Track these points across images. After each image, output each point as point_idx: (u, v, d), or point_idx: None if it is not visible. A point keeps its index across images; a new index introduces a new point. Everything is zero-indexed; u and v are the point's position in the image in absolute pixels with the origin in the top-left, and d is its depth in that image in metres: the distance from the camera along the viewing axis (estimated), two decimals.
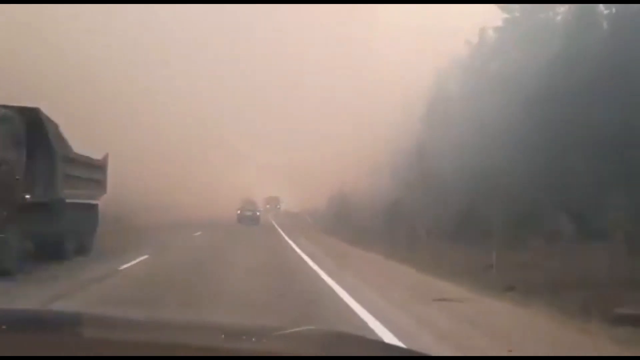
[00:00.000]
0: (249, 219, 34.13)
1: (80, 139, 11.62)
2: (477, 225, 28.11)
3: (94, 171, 11.75)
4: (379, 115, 44.34)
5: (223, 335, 2.17)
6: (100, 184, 12.23)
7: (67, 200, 9.83)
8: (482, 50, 41.28)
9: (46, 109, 9.77)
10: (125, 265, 9.72)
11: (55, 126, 9.76)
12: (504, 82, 34.03)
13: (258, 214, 37.25)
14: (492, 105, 33.17)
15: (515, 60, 35.58)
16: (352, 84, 48.99)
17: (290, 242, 18.80)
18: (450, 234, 24.06)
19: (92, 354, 1.51)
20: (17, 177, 8.24)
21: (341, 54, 53.05)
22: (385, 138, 42.78)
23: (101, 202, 12.61)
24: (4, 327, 1.82)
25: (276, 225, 30.65)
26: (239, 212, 36.62)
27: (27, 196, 8.50)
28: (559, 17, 31.73)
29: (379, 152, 44.19)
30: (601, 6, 25.57)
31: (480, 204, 27.81)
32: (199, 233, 19.65)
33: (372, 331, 5.27)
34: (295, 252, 15.02)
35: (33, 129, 8.76)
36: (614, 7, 24.68)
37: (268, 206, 58.29)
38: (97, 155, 12.38)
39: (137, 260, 10.53)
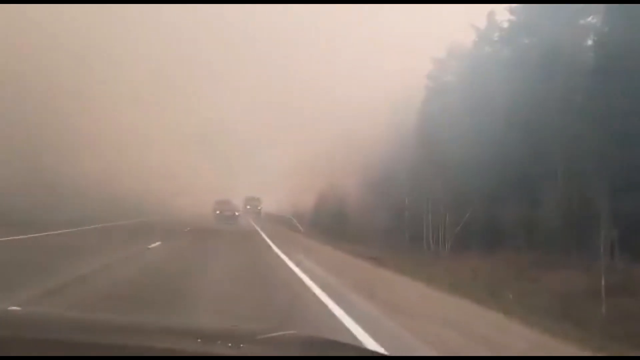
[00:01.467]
0: (227, 218, 34.60)
1: None
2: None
3: None
4: (372, 108, 42.48)
5: (199, 340, 2.17)
6: None
7: None
8: (489, 34, 39.87)
9: None
10: None
11: None
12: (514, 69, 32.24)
13: (237, 213, 37.84)
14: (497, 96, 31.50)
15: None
16: (344, 76, 47.12)
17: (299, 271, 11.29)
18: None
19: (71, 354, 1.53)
20: None
21: (334, 44, 51.33)
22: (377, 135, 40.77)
23: None
24: None
25: (261, 232, 27.01)
26: (217, 212, 36.55)
27: None
28: None
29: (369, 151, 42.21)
30: None
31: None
32: (156, 244, 14.92)
33: None
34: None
35: None
36: None
37: (248, 207, 55.45)
38: None
39: None
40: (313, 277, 9.66)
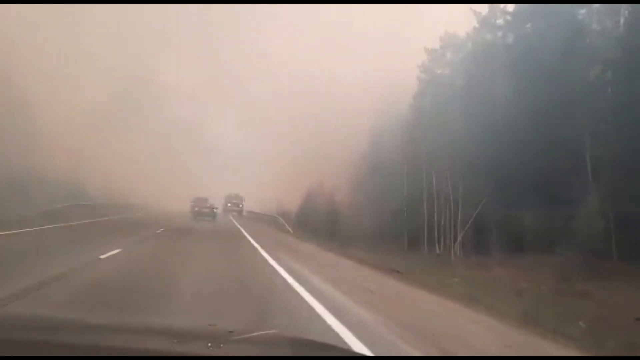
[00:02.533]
0: (205, 215, 35.53)
1: None
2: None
3: None
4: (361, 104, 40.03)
5: (176, 340, 2.14)
6: None
7: None
8: (491, 22, 38.13)
9: None
10: None
11: None
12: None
13: (215, 210, 38.58)
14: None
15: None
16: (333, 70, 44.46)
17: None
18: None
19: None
20: None
21: (325, 37, 48.56)
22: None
23: None
24: None
25: (246, 234, 23.57)
26: (196, 209, 37.41)
27: None
28: None
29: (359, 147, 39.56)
30: None
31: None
32: (112, 253, 11.18)
33: None
34: None
35: None
36: None
37: (229, 205, 52.47)
38: None
39: None
40: (341, 317, 6.03)
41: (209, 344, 2.00)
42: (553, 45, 26.70)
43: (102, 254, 10.78)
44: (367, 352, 4.42)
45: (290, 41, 49.63)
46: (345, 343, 4.77)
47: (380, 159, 35.63)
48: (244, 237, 20.84)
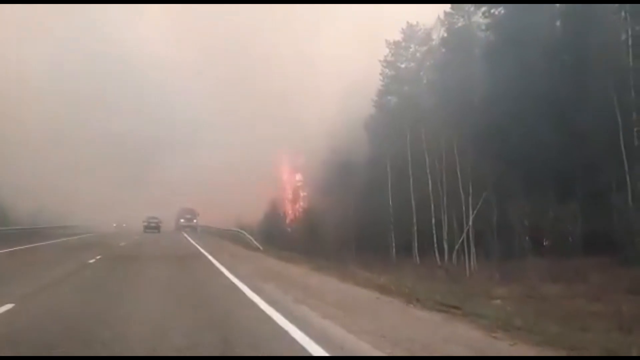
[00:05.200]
0: (152, 229, 42.77)
1: None
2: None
3: None
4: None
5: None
6: None
7: None
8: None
9: None
10: None
11: None
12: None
13: (160, 224, 45.18)
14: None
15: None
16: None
17: None
18: None
19: None
20: None
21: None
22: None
23: None
24: None
25: (209, 256, 18.67)
26: (144, 223, 44.27)
27: None
28: None
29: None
30: None
31: None
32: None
33: None
34: None
35: None
36: None
37: (182, 220, 47.79)
38: None
39: None
40: None
41: None
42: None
43: None
44: None
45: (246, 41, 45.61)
46: None
47: (358, 162, 31.72)
48: (212, 265, 16.07)
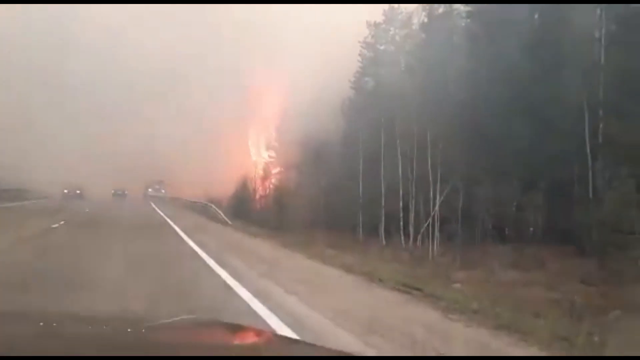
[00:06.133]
0: (119, 197, 45.34)
1: None
2: None
3: None
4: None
5: (90, 327, 2.02)
6: None
7: None
8: None
9: None
10: None
11: None
12: None
13: (126, 192, 48.85)
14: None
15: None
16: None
17: None
18: None
19: None
20: None
21: None
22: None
23: None
24: None
25: (174, 225, 18.54)
26: (112, 192, 47.16)
27: None
28: None
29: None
30: None
31: None
32: None
33: None
34: None
35: None
36: None
37: (150, 190, 50.66)
38: None
39: None
40: None
41: (129, 329, 1.89)
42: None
43: None
44: None
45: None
46: None
47: (331, 142, 31.69)
48: (177, 237, 16.00)
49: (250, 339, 2.03)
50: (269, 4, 40.85)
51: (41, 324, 1.97)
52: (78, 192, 43.48)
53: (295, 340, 2.76)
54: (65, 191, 42.85)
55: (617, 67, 20.15)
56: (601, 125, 20.89)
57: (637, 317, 9.35)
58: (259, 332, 2.39)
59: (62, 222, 16.20)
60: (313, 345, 2.32)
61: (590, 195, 20.07)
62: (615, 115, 19.52)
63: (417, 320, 5.77)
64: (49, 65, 46.28)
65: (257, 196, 37.47)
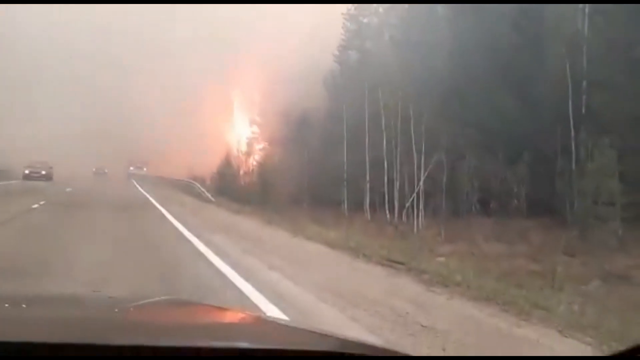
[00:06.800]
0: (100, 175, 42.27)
1: None
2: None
3: None
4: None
5: (62, 304, 2.01)
6: None
7: None
8: None
9: None
10: None
11: None
12: None
13: (106, 171, 44.64)
14: None
15: None
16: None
17: None
18: None
19: None
20: None
21: None
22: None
23: None
24: None
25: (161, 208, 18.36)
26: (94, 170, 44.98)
27: None
28: None
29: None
30: None
31: None
32: None
33: None
34: None
35: None
36: None
37: (132, 169, 50.35)
38: None
39: None
40: None
41: (116, 309, 1.92)
42: None
43: None
44: None
45: None
46: None
47: (315, 116, 31.46)
48: (161, 215, 15.86)
49: (234, 320, 1.98)
50: None
51: (24, 306, 1.93)
52: (43, 172, 31.87)
53: (281, 322, 2.71)
54: (27, 172, 31.76)
55: (600, 38, 20.15)
56: (584, 97, 20.97)
57: (615, 286, 9.58)
58: (244, 314, 2.32)
59: (42, 202, 15.96)
60: (299, 328, 2.27)
61: (573, 166, 20.26)
62: (598, 86, 19.59)
63: (401, 294, 5.78)
64: (30, 44, 45.26)
65: (242, 173, 37.27)
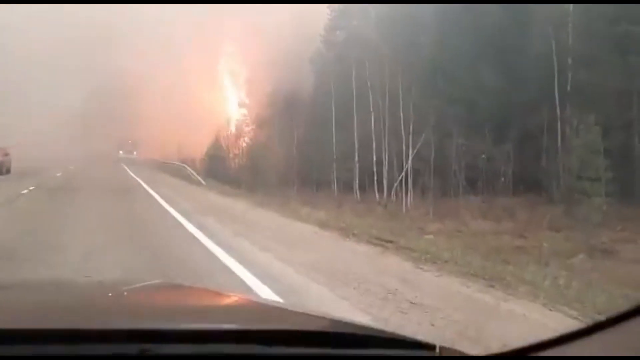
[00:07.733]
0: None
1: None
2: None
3: None
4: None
5: (53, 288, 2.04)
6: None
7: None
8: None
9: None
10: None
11: None
12: None
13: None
14: None
15: None
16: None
17: None
18: None
19: None
20: None
21: None
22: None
23: None
24: None
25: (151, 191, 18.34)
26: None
27: None
28: None
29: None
30: None
31: None
32: None
33: None
34: None
35: None
36: None
37: (121, 152, 50.36)
38: None
39: None
40: None
41: (110, 294, 1.91)
42: None
43: None
44: None
45: None
46: None
47: (303, 97, 31.33)
48: (151, 198, 15.86)
49: (227, 302, 1.99)
50: None
51: (14, 292, 1.92)
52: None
53: (274, 304, 2.76)
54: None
55: (586, 14, 20.23)
56: (570, 74, 21.12)
57: (599, 259, 9.82)
58: (236, 297, 2.32)
59: (32, 188, 15.88)
60: (291, 310, 2.28)
61: (559, 143, 20.49)
62: (584, 63, 19.74)
63: (390, 272, 5.91)
64: (18, 27, 44.33)
65: (231, 155, 37.18)
